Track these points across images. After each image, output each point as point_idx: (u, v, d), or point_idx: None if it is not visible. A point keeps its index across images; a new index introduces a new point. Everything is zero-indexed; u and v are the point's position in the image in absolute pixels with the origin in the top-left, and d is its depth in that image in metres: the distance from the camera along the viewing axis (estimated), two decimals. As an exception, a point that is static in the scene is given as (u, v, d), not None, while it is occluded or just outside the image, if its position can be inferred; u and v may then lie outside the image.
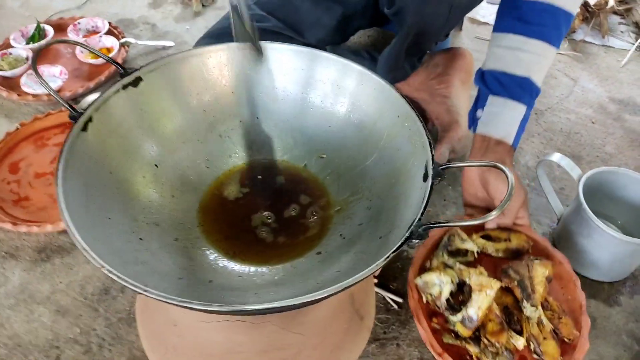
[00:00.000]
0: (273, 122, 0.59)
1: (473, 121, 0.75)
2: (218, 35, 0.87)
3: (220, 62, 0.56)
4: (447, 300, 0.59)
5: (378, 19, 0.97)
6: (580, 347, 0.57)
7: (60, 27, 1.14)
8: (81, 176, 0.43)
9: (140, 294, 0.33)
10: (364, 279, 0.35)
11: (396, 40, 0.82)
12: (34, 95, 0.97)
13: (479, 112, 0.73)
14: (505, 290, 0.60)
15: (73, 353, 0.62)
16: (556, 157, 0.79)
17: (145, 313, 0.58)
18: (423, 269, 0.63)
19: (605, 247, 0.71)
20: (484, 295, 0.56)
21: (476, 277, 0.58)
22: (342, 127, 0.56)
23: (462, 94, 0.90)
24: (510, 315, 0.59)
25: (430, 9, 0.74)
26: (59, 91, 0.99)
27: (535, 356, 0.57)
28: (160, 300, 0.34)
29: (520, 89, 0.70)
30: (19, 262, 0.74)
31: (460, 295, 0.60)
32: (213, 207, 0.55)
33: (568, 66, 1.17)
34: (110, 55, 1.07)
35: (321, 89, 0.56)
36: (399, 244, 0.37)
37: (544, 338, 0.57)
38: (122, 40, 1.11)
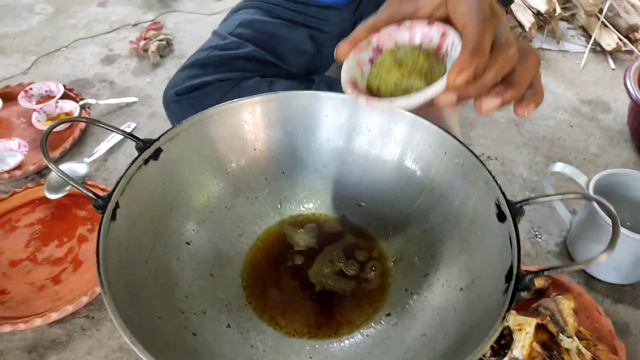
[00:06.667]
0: (302, 175, 0.54)
1: None
2: (202, 64, 0.83)
3: (241, 121, 0.51)
4: (491, 346, 0.58)
5: None
6: None
7: (9, 96, 1.04)
8: (121, 275, 0.37)
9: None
10: (486, 347, 0.31)
11: None
12: (-7, 176, 0.87)
13: None
14: (539, 327, 0.62)
15: None
16: (559, 166, 0.79)
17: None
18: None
19: (626, 250, 0.71)
20: (525, 334, 0.58)
21: (513, 318, 0.60)
22: (380, 172, 0.53)
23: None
24: (550, 350, 0.61)
25: None
26: (20, 166, 0.90)
27: (581, 385, 0.58)
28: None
29: None
30: (5, 368, 0.64)
31: (501, 339, 0.60)
32: (257, 279, 0.49)
33: (534, 74, 1.20)
34: (71, 120, 0.99)
35: (359, 135, 0.53)
36: (509, 299, 0.34)
37: (586, 367, 0.59)
38: (81, 102, 1.03)
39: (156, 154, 0.45)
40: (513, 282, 0.35)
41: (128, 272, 0.38)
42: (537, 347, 0.59)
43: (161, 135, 0.45)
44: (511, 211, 0.40)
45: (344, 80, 0.37)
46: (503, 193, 0.42)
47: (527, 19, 1.24)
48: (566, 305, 0.64)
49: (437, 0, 0.37)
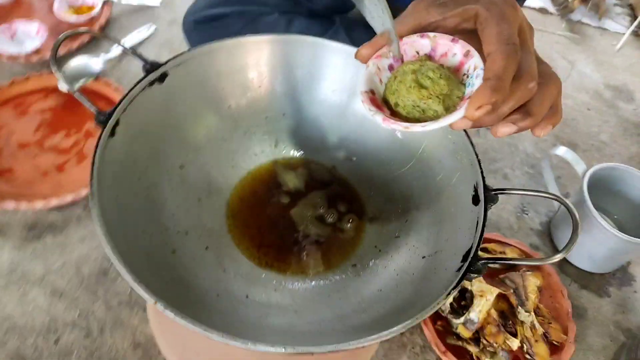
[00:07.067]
0: (301, 120, 0.56)
1: None
2: None
3: (249, 58, 0.52)
4: (451, 304, 0.64)
5: None
6: (566, 350, 0.63)
7: (32, -24, 1.03)
8: (113, 188, 0.40)
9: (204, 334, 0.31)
10: (426, 317, 0.35)
11: None
12: (10, 57, 0.89)
13: None
14: (502, 297, 0.65)
15: (73, 336, 0.60)
16: (562, 150, 0.80)
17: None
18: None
19: (604, 243, 0.73)
20: (485, 301, 0.62)
21: (477, 285, 0.64)
22: (376, 132, 0.54)
23: None
24: (506, 319, 0.65)
25: None
26: (37, 51, 0.91)
27: (527, 356, 0.63)
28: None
29: None
30: (7, 240, 0.70)
31: (462, 300, 0.64)
32: (241, 210, 0.52)
33: (566, 48, 1.17)
34: (91, 14, 0.98)
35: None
36: (459, 278, 0.37)
37: (536, 340, 0.63)
38: (104, -3, 1.01)
39: (162, 78, 0.46)
40: (467, 263, 0.38)
41: (120, 186, 0.41)
42: (495, 315, 0.63)
43: (169, 60, 0.47)
44: (485, 197, 0.42)
45: (362, 89, 0.37)
46: (484, 179, 0.43)
47: (573, -12, 1.18)
48: (532, 282, 0.68)
49: (467, 14, 0.35)
